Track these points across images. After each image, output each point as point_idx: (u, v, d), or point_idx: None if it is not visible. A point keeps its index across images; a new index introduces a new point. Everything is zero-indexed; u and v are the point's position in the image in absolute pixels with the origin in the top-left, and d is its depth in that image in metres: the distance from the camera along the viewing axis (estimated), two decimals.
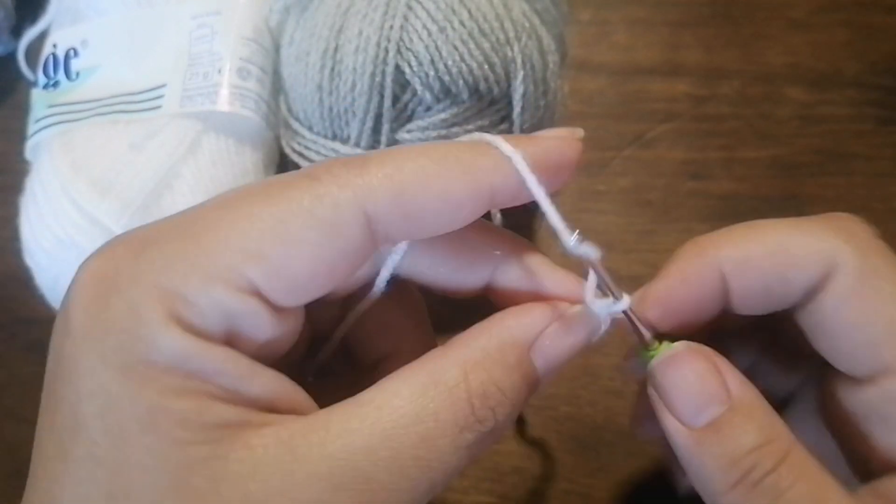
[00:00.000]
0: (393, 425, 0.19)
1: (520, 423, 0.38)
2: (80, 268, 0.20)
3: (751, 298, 0.23)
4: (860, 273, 0.21)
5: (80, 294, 0.19)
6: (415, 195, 0.20)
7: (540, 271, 0.24)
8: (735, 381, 0.22)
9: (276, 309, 0.20)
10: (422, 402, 0.19)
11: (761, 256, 0.22)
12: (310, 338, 0.25)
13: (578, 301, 0.23)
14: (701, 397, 0.21)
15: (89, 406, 0.19)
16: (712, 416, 0.21)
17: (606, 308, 0.23)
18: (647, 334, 0.23)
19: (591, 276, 0.22)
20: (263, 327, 0.20)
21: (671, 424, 0.22)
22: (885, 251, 0.22)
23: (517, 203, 0.22)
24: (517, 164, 0.21)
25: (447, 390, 0.20)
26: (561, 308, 0.23)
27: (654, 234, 0.42)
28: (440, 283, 0.24)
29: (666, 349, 0.23)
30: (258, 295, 0.20)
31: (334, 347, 0.25)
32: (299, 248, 0.20)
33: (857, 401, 0.22)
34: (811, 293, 0.22)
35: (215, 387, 0.19)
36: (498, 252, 0.24)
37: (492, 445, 0.21)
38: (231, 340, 0.20)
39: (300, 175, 0.21)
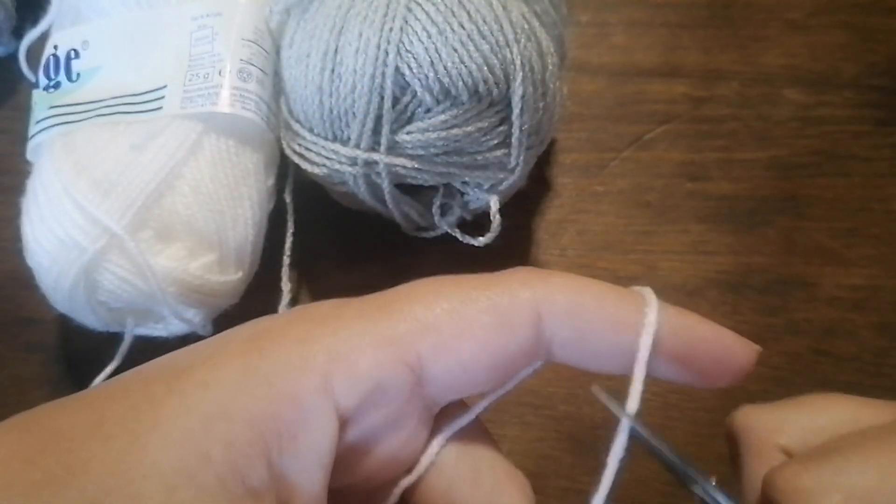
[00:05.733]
0: None
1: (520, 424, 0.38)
2: (311, 307, 0.21)
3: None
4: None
5: (292, 311, 0.20)
6: (590, 312, 0.20)
7: None
8: None
9: (418, 399, 0.20)
10: None
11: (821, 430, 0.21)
12: None
13: None
14: None
15: (191, 377, 0.19)
16: None
17: None
18: None
19: None
20: (396, 405, 0.20)
21: None
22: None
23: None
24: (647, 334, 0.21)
25: None
26: None
27: (653, 234, 0.42)
28: None
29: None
30: (418, 373, 0.20)
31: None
32: (474, 331, 0.20)
33: None
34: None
35: (277, 444, 0.18)
36: None
37: None
38: (353, 415, 0.19)
39: (486, 275, 0.21)
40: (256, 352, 0.19)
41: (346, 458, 0.20)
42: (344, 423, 0.19)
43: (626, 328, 0.21)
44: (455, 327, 0.20)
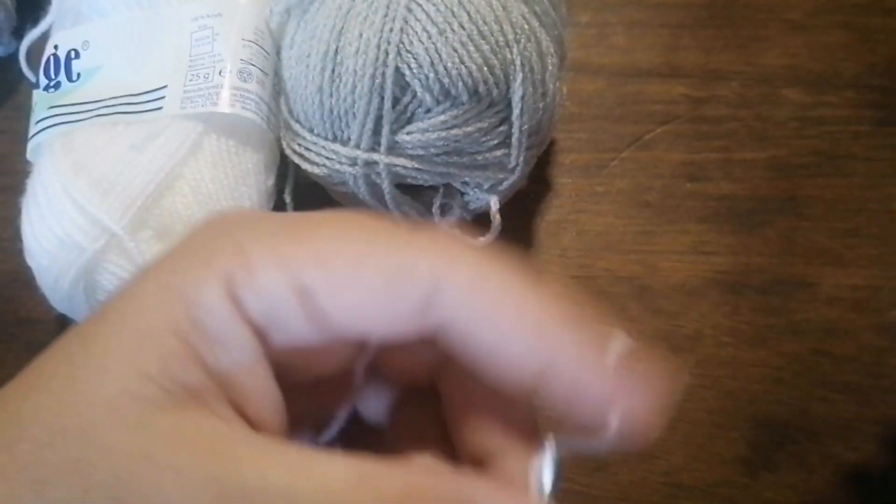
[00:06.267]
0: (308, 488, 0.18)
1: None
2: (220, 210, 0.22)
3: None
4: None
5: (193, 228, 0.21)
6: (485, 305, 0.20)
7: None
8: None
9: (316, 326, 0.20)
10: (346, 487, 0.18)
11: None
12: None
13: None
14: None
15: (120, 302, 0.20)
16: None
17: None
18: None
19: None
20: (296, 333, 0.20)
21: None
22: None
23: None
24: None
25: (377, 494, 0.18)
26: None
27: (653, 234, 0.42)
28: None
29: None
30: (307, 299, 0.20)
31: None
32: (362, 281, 0.20)
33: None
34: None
35: (212, 356, 0.19)
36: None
37: None
38: (262, 331, 0.20)
39: (403, 229, 0.21)
40: (170, 271, 0.20)
41: (282, 369, 0.21)
42: (260, 332, 0.20)
43: (514, 356, 0.20)
44: (345, 272, 0.20)
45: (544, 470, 0.20)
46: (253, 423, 0.20)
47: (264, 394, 0.20)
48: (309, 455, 0.19)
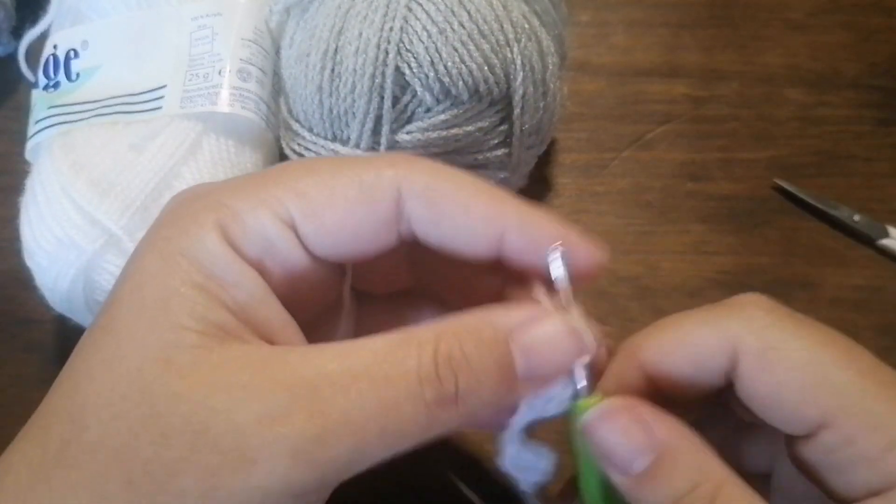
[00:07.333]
0: (359, 362, 0.21)
1: None
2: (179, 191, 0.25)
3: (679, 386, 0.24)
4: (760, 352, 0.23)
5: (166, 205, 0.24)
6: (445, 196, 0.23)
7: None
8: (662, 428, 0.22)
9: (306, 253, 0.23)
10: (390, 350, 0.21)
11: (674, 352, 0.24)
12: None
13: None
14: (629, 451, 0.22)
15: (126, 283, 0.22)
16: (643, 466, 0.22)
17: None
18: (582, 384, 0.23)
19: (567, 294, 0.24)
20: (290, 263, 0.23)
21: (611, 472, 0.22)
22: (784, 323, 0.23)
23: (519, 253, 0.24)
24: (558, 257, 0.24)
25: (416, 345, 0.21)
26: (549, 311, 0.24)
27: (653, 234, 0.42)
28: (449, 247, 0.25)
29: (593, 405, 0.23)
30: (294, 231, 0.23)
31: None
32: (337, 200, 0.23)
33: (809, 451, 0.23)
34: (728, 376, 0.24)
35: (229, 296, 0.22)
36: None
37: (458, 426, 0.22)
38: (261, 268, 0.23)
39: (361, 156, 0.25)
40: (164, 240, 0.22)
41: (288, 297, 0.23)
42: (260, 269, 0.23)
43: (475, 215, 0.23)
44: (322, 196, 0.23)
45: (557, 264, 0.23)
46: None
47: (284, 322, 0.23)
48: (348, 343, 0.21)
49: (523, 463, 0.24)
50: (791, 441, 0.24)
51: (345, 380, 0.20)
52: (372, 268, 0.26)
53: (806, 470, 0.24)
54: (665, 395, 0.25)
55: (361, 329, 0.27)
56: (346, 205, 0.23)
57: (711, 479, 0.21)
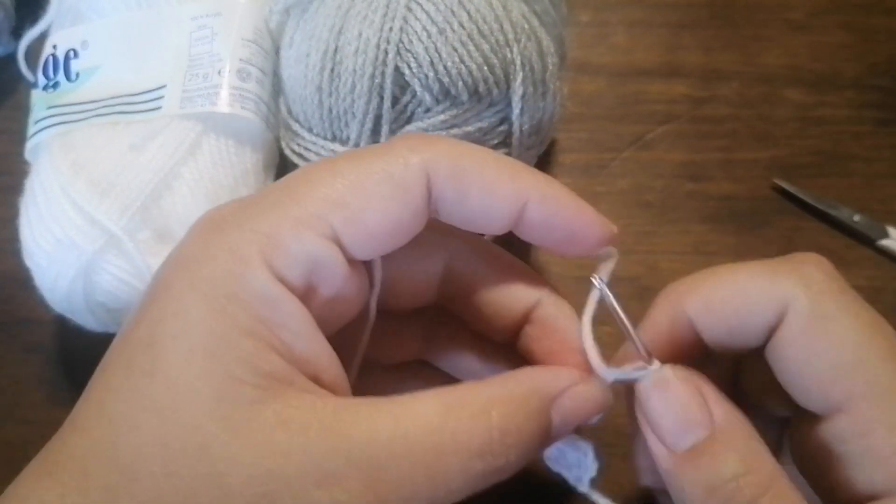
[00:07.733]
0: (414, 429, 0.20)
1: None
2: (198, 218, 0.23)
3: (719, 338, 0.24)
4: (810, 316, 0.22)
5: (189, 234, 0.23)
6: (469, 175, 0.23)
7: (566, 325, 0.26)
8: (719, 407, 0.22)
9: (350, 263, 0.23)
10: (445, 418, 0.21)
11: (722, 302, 0.24)
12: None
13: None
14: (683, 422, 0.22)
15: (168, 326, 0.21)
16: (693, 441, 0.21)
17: (617, 374, 0.24)
18: (643, 351, 0.23)
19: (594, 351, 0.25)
20: (338, 279, 0.23)
21: (655, 447, 0.22)
22: (840, 294, 0.23)
23: (541, 233, 0.25)
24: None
25: (471, 416, 0.21)
26: (584, 375, 0.24)
27: (654, 235, 0.42)
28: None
29: (653, 372, 0.23)
30: (338, 243, 0.22)
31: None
32: (374, 200, 0.22)
33: (817, 437, 0.23)
34: (770, 333, 0.23)
35: (277, 339, 0.21)
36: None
37: (490, 484, 0.22)
38: (308, 293, 0.22)
39: (378, 145, 0.24)
40: (207, 281, 0.21)
41: (324, 316, 0.23)
42: (303, 296, 0.22)
43: (500, 193, 0.24)
44: (359, 201, 0.22)
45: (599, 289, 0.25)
46: (330, 389, 0.22)
47: (329, 358, 0.22)
48: (398, 402, 0.21)
49: (569, 461, 0.25)
50: (799, 424, 0.24)
51: (399, 448, 0.20)
52: (403, 279, 0.26)
53: (805, 461, 0.24)
54: (701, 347, 0.24)
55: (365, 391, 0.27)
56: (383, 203, 0.22)
57: (762, 471, 0.21)
